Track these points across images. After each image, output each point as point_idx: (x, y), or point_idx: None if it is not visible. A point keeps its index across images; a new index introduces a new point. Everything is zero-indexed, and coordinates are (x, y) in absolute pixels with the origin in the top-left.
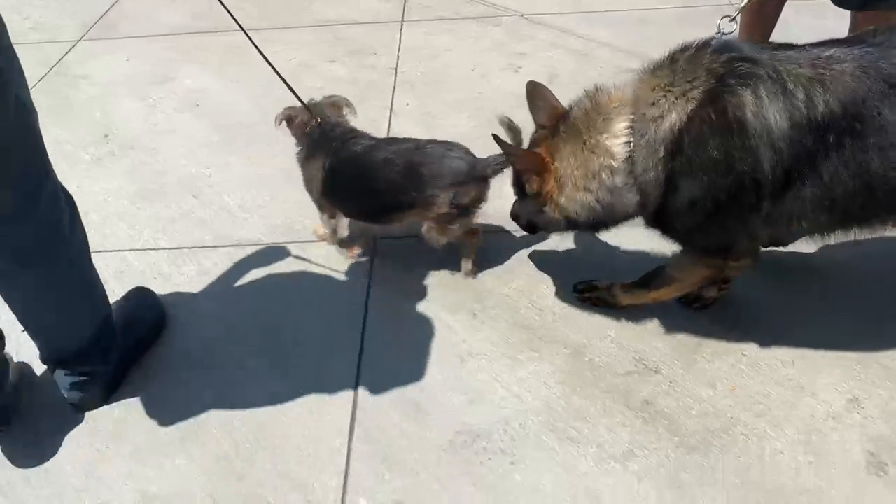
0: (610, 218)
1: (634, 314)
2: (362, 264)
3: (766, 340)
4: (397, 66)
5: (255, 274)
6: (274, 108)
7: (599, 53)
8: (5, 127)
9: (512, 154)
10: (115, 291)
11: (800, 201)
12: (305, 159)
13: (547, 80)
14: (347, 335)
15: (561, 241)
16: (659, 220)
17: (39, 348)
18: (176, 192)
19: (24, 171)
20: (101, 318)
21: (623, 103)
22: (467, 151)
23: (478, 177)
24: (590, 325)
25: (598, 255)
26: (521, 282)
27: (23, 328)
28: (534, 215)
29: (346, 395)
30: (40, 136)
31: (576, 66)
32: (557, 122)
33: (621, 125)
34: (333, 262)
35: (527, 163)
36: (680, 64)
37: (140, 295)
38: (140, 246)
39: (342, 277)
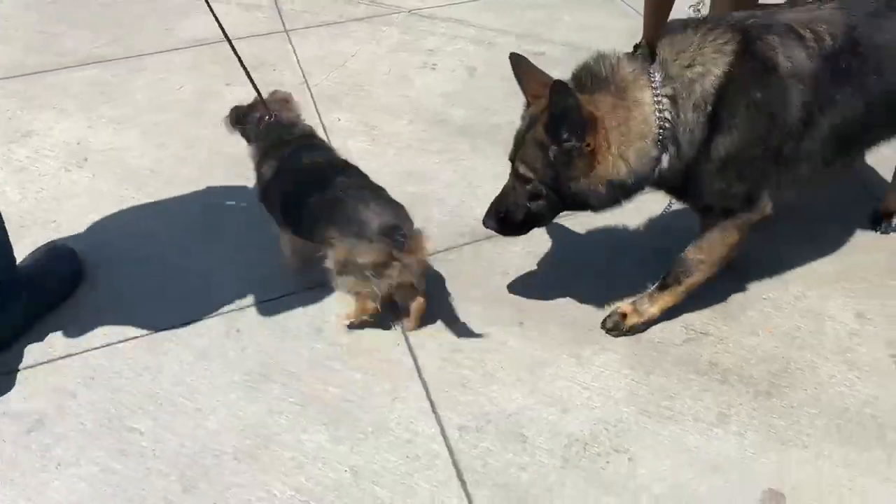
0: (640, 184)
1: None
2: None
3: (776, 282)
4: (306, 79)
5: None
6: (177, 144)
7: (503, 41)
8: None
9: (574, 102)
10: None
11: (816, 138)
12: (260, 161)
13: (468, 74)
14: (403, 384)
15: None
16: (688, 180)
17: None
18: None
19: None
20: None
21: (647, 69)
22: (396, 213)
23: (384, 243)
24: None
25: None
26: (547, 280)
27: None
28: (570, 184)
29: (436, 449)
30: None
31: (489, 55)
32: (579, 85)
33: (663, 89)
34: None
35: (589, 114)
36: (700, 30)
37: (53, 248)
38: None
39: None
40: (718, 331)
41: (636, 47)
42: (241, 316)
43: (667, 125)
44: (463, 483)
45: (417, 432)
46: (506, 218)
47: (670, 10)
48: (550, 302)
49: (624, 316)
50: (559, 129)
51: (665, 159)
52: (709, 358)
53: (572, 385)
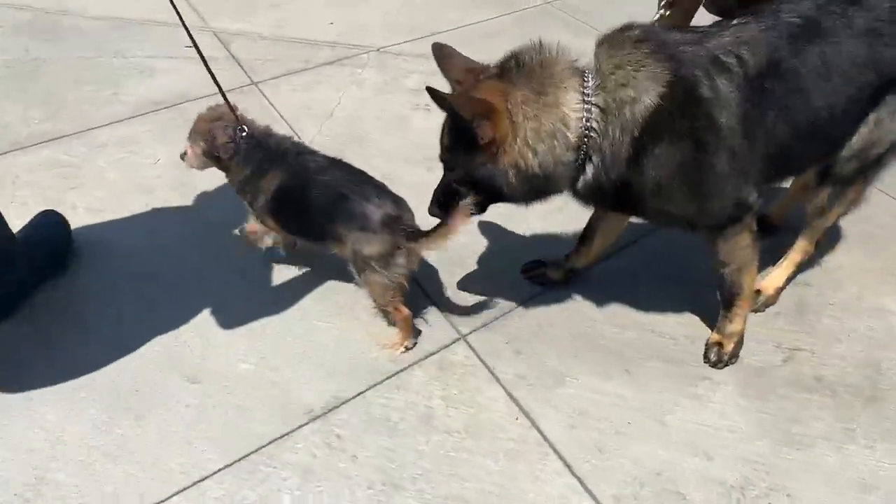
0: (558, 184)
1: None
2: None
3: (832, 284)
4: (298, 135)
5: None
6: (179, 227)
7: None
8: None
9: (455, 101)
10: None
11: (752, 153)
12: (253, 178)
13: None
14: (540, 462)
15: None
16: (630, 200)
17: None
18: None
19: None
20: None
21: (581, 72)
22: (398, 206)
23: (387, 233)
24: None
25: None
26: (634, 317)
27: None
28: (478, 171)
29: None
30: None
31: None
32: (501, 71)
33: (595, 97)
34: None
35: (474, 107)
36: (640, 48)
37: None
38: None
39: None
40: (807, 344)
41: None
42: (335, 418)
43: (592, 134)
44: None
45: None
46: (444, 203)
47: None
48: (643, 342)
49: (720, 345)
50: (455, 126)
51: (589, 170)
52: (811, 373)
53: (702, 427)
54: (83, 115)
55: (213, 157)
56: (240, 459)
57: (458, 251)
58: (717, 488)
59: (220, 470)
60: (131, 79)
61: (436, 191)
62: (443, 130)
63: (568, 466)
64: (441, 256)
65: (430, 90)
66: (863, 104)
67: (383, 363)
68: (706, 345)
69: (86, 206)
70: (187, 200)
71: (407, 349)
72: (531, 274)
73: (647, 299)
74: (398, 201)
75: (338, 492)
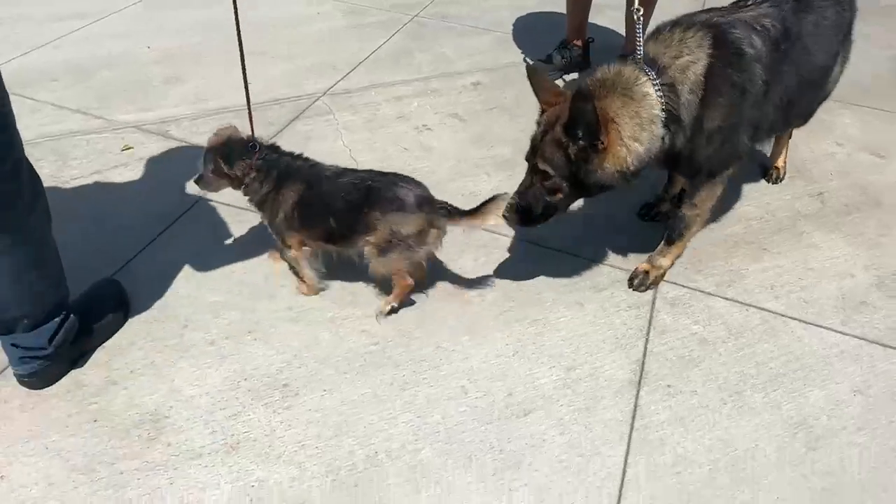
0: (646, 164)
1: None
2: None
3: None
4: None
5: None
6: None
7: (449, 84)
8: None
9: (592, 108)
10: None
11: (770, 106)
12: (273, 192)
13: (459, 119)
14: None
15: None
16: (680, 154)
17: None
18: None
19: None
20: (58, 297)
21: (641, 68)
22: (422, 188)
23: (423, 212)
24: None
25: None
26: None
27: None
28: (588, 176)
29: None
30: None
31: (457, 97)
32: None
33: (662, 79)
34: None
35: (598, 116)
36: (677, 30)
37: (103, 285)
38: None
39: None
40: None
41: (561, 44)
42: None
43: (670, 108)
44: None
45: None
46: (526, 212)
47: (588, 9)
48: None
49: (647, 273)
50: (576, 131)
51: (667, 138)
52: None
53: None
54: None
55: (229, 176)
56: None
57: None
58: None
59: None
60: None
61: (517, 199)
62: (541, 142)
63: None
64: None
65: (585, 94)
66: (833, 58)
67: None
68: (634, 271)
69: None
70: None
71: (393, 310)
72: (649, 214)
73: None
74: (420, 184)
75: None
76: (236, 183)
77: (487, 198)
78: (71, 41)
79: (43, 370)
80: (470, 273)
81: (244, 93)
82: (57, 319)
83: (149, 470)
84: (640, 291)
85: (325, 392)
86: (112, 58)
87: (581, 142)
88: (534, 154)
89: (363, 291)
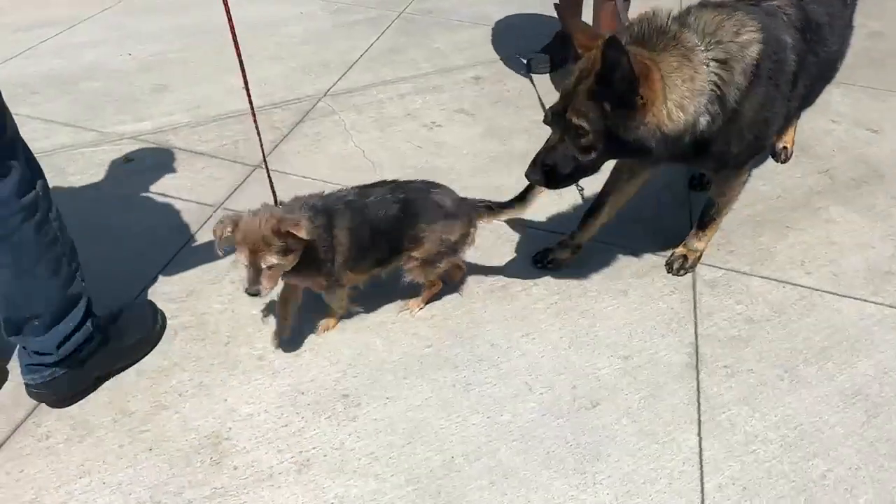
0: (685, 137)
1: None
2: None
3: None
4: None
5: None
6: None
7: (460, 78)
8: None
9: (626, 59)
10: None
11: (796, 95)
12: (328, 236)
13: (467, 114)
14: None
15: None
16: (714, 142)
17: (4, 321)
18: None
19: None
20: (70, 298)
21: (692, 35)
22: (449, 189)
23: (464, 214)
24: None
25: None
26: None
27: None
28: (627, 132)
29: None
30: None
31: (464, 92)
32: (638, 40)
33: (712, 52)
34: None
35: (641, 69)
36: (724, 10)
37: (133, 305)
38: None
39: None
40: None
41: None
42: None
43: (716, 86)
44: None
45: None
46: (553, 170)
47: (580, 6)
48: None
49: (684, 257)
50: (612, 84)
51: (704, 121)
52: None
53: None
54: None
55: (293, 250)
56: None
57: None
58: None
59: None
60: None
61: (543, 156)
62: (574, 94)
63: None
64: None
65: (616, 43)
66: (844, 47)
67: None
68: (671, 257)
69: None
70: None
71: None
72: (543, 263)
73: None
74: (443, 185)
75: None
76: (298, 252)
77: (522, 189)
78: (43, 51)
79: (53, 381)
80: (510, 269)
81: (243, 97)
82: (71, 324)
83: (220, 497)
84: (680, 275)
85: (387, 400)
86: (93, 67)
87: (618, 96)
88: (565, 107)
89: (394, 292)
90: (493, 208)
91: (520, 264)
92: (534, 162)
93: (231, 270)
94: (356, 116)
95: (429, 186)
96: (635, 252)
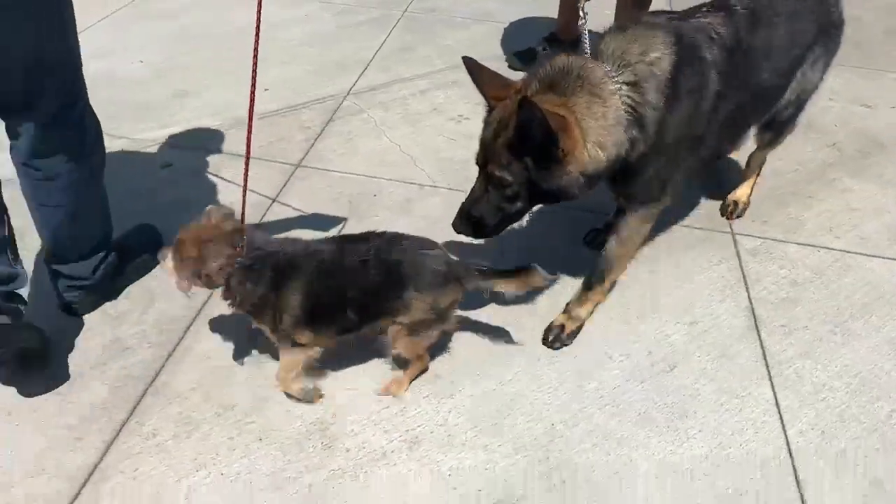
0: (611, 167)
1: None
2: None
3: None
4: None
5: None
6: None
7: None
8: (62, 48)
9: (541, 118)
10: None
11: (718, 122)
12: (270, 293)
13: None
14: None
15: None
16: (634, 165)
17: (46, 249)
18: None
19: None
20: (103, 234)
21: (599, 64)
22: (441, 248)
23: (460, 279)
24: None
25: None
26: None
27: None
28: (551, 182)
29: None
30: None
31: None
32: (547, 85)
33: (622, 76)
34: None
35: (557, 122)
36: (639, 29)
37: (141, 229)
38: None
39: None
40: None
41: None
42: None
43: (632, 109)
44: None
45: None
46: (480, 222)
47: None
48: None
49: (562, 326)
50: (532, 141)
51: (624, 149)
52: None
53: None
54: None
55: (208, 281)
56: None
57: None
58: None
59: None
60: None
61: (468, 208)
62: (493, 146)
63: None
64: None
65: (529, 104)
66: (792, 65)
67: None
68: (548, 328)
69: None
70: None
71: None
72: (594, 244)
73: None
74: (435, 244)
75: None
76: (212, 286)
77: (522, 265)
78: None
79: (84, 299)
80: (560, 251)
81: (267, 100)
82: (101, 254)
83: (339, 478)
84: (555, 349)
85: (478, 376)
86: (105, 75)
87: (538, 152)
88: (486, 159)
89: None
90: (485, 274)
91: (568, 247)
92: (459, 213)
93: None
94: (384, 113)
95: (417, 245)
96: (681, 226)
